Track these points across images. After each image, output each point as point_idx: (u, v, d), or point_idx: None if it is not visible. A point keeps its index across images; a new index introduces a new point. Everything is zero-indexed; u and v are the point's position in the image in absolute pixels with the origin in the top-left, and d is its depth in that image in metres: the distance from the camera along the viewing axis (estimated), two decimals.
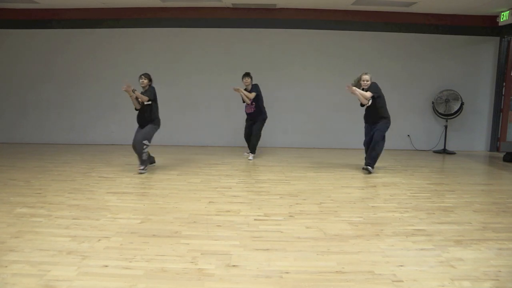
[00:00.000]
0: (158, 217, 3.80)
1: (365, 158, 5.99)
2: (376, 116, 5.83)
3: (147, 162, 5.77)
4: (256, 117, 6.79)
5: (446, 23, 8.13)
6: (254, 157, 6.87)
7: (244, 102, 6.77)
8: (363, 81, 5.82)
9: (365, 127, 6.08)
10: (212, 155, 7.35)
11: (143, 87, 5.65)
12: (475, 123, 8.50)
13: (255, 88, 6.70)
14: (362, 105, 5.89)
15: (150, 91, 5.65)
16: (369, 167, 5.86)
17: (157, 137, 8.53)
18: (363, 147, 6.14)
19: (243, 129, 7.10)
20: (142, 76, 5.71)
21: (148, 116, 5.68)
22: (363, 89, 5.76)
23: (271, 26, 8.14)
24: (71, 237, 3.23)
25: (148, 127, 5.68)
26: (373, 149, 5.83)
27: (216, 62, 8.22)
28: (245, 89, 6.68)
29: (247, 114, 6.88)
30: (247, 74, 6.70)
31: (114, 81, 8.06)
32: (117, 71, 8.21)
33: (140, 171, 5.63)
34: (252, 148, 6.85)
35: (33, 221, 3.59)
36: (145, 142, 5.62)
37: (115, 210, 3.98)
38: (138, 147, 5.60)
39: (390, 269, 2.76)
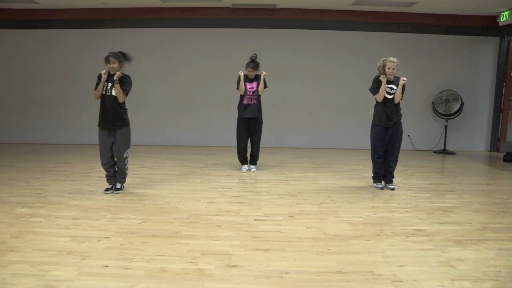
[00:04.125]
0: (158, 217, 3.80)
1: (386, 174, 5.04)
2: (396, 115, 4.84)
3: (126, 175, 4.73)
4: (255, 113, 5.70)
5: (446, 23, 8.13)
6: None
7: (244, 94, 5.69)
8: (389, 68, 4.69)
9: (376, 131, 4.92)
10: (212, 155, 7.35)
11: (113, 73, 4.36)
12: (475, 123, 8.50)
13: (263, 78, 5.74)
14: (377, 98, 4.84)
15: (128, 83, 4.43)
16: (392, 185, 5.05)
17: (157, 137, 8.63)
18: (379, 160, 4.99)
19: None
20: (111, 59, 4.28)
21: (122, 112, 4.47)
22: (390, 87, 4.79)
23: (271, 26, 8.14)
24: (71, 237, 3.23)
25: (125, 134, 4.52)
26: (394, 162, 5.00)
27: (216, 62, 8.22)
28: (253, 78, 5.72)
29: (245, 107, 5.69)
30: (256, 65, 5.66)
31: None
32: None
33: (118, 191, 4.62)
34: (255, 160, 5.99)
35: (33, 221, 3.59)
36: (127, 154, 4.57)
37: (115, 210, 3.97)
38: (121, 165, 4.55)
39: (390, 269, 2.76)
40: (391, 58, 4.77)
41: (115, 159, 4.58)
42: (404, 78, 4.76)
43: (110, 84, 4.41)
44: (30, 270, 2.64)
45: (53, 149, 7.78)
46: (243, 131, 5.81)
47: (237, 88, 5.75)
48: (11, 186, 4.86)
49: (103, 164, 4.59)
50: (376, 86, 4.87)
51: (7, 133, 8.45)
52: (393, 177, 5.11)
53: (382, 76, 4.76)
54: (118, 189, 4.63)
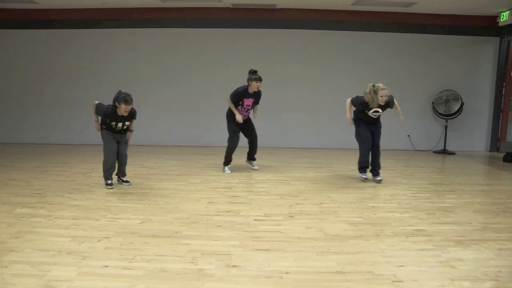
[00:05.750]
0: (158, 217, 3.80)
1: (373, 166, 5.30)
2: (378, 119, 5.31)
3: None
4: (247, 121, 5.79)
5: (446, 23, 8.13)
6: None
7: (240, 106, 5.62)
8: (382, 96, 4.95)
9: (361, 124, 5.26)
10: (212, 155, 7.35)
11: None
12: (475, 123, 8.50)
13: (260, 95, 5.72)
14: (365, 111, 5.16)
15: (135, 115, 4.86)
16: (379, 176, 5.30)
17: (157, 137, 8.62)
18: (367, 153, 5.25)
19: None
20: (130, 101, 4.59)
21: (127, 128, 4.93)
22: (378, 106, 5.09)
23: (271, 26, 8.14)
24: (71, 237, 3.23)
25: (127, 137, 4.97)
26: (379, 153, 5.27)
27: (216, 62, 8.22)
28: (253, 92, 5.58)
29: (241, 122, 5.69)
30: (260, 78, 5.50)
31: (114, 81, 8.05)
32: (117, 71, 8.22)
33: (128, 184, 4.97)
34: (254, 155, 6.02)
35: (33, 221, 3.58)
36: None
37: (115, 210, 3.97)
38: (126, 159, 4.94)
39: (390, 269, 2.76)
40: (381, 86, 4.97)
41: (119, 159, 4.86)
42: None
43: (121, 124, 4.73)
44: (30, 270, 2.64)
45: (53, 149, 7.77)
46: (235, 128, 5.68)
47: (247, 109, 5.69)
48: (11, 186, 4.86)
49: (109, 163, 4.77)
50: (359, 107, 5.22)
51: (7, 133, 8.44)
52: (379, 168, 5.33)
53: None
54: (127, 181, 4.97)
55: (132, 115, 4.77)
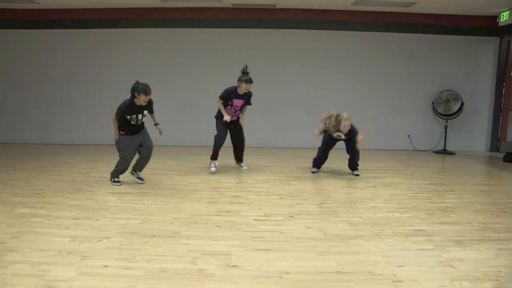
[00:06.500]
0: (158, 217, 3.80)
1: (350, 164, 5.82)
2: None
3: None
4: (235, 123, 5.80)
5: (446, 23, 8.13)
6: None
7: (230, 107, 5.68)
8: (345, 126, 5.34)
9: (325, 136, 5.75)
10: None
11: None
12: (475, 123, 8.50)
13: (250, 96, 5.71)
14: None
15: (152, 105, 4.98)
16: (357, 171, 5.79)
17: (158, 137, 8.59)
18: (321, 153, 5.81)
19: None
20: (150, 92, 4.69)
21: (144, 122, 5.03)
22: (338, 135, 5.58)
23: (271, 26, 8.14)
24: (71, 237, 3.23)
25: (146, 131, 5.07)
26: (356, 154, 5.68)
27: (216, 62, 8.21)
28: (243, 94, 5.58)
29: (226, 123, 5.71)
30: (251, 79, 5.51)
31: (114, 81, 8.07)
32: (117, 71, 8.22)
33: (142, 182, 5.04)
34: (242, 157, 6.05)
35: (33, 221, 3.59)
36: None
37: (115, 210, 3.97)
38: (150, 154, 5.05)
39: (390, 269, 2.76)
40: (345, 116, 5.31)
41: (145, 153, 4.96)
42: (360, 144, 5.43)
43: (140, 115, 4.79)
44: (30, 270, 2.64)
45: (53, 149, 7.77)
46: (222, 126, 5.71)
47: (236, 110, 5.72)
48: (11, 186, 4.86)
49: (123, 166, 4.87)
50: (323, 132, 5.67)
51: (7, 133, 8.44)
52: (357, 165, 5.75)
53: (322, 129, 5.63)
54: (141, 179, 5.04)
55: (149, 104, 4.85)
